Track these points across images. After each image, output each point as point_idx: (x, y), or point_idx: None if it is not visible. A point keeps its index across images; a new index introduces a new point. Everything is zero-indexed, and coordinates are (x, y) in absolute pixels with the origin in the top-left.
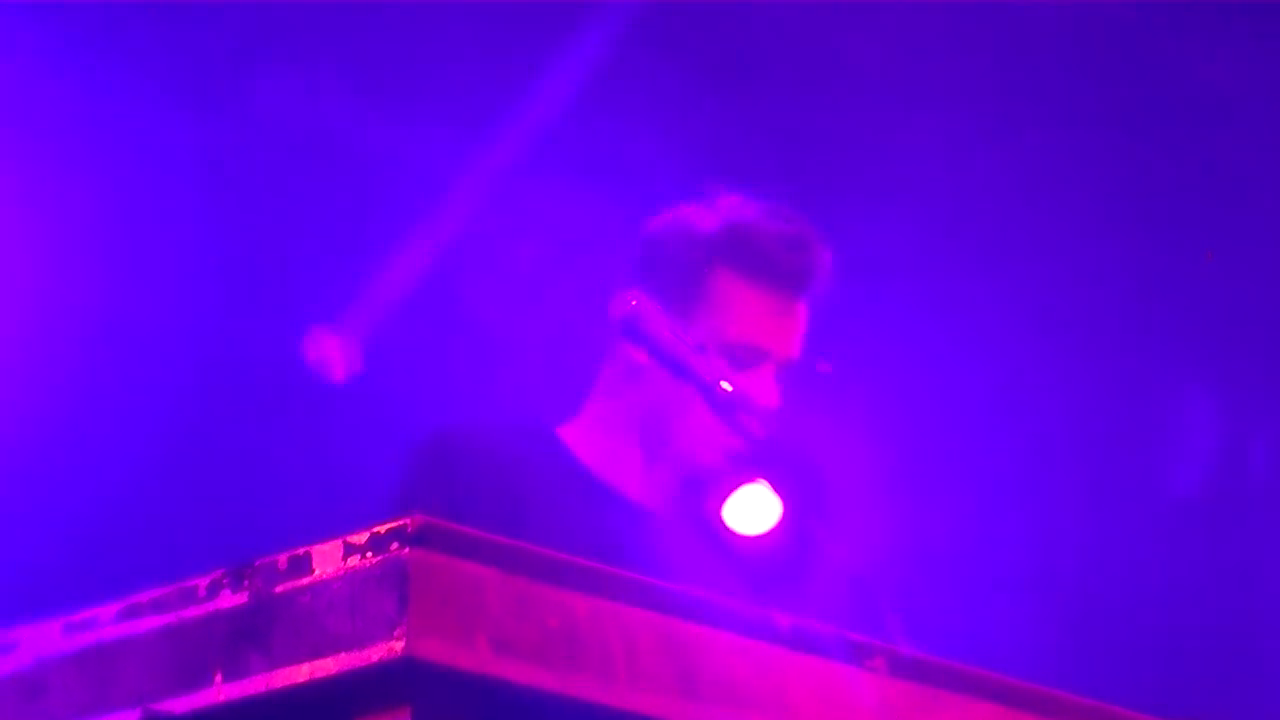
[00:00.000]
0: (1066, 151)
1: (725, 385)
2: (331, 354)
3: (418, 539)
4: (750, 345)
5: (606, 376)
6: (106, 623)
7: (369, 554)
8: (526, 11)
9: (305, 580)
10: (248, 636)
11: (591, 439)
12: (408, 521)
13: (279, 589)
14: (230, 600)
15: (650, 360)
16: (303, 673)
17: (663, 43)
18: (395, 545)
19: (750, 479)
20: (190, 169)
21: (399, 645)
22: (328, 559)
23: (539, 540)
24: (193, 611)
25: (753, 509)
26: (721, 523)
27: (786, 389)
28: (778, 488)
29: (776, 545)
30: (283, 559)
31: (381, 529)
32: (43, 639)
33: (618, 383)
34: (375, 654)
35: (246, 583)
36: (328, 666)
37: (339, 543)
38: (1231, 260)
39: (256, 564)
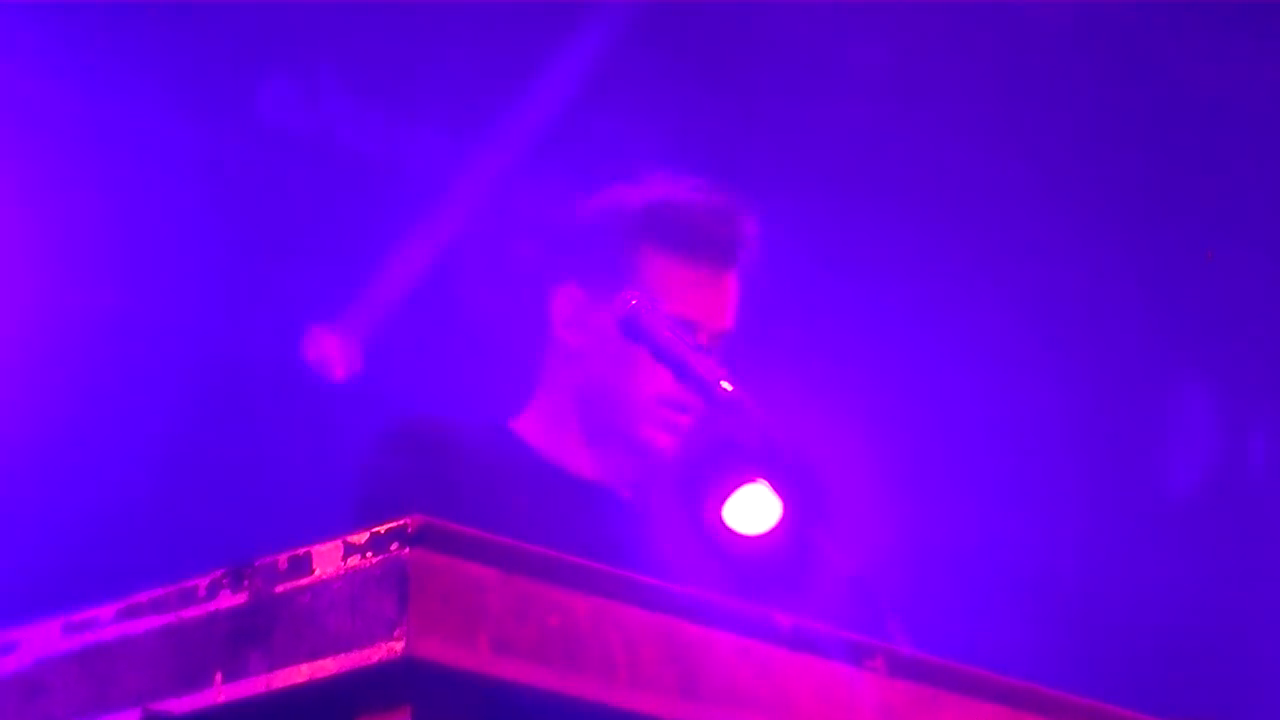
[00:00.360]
0: (1066, 152)
1: (725, 385)
2: (331, 354)
3: (418, 539)
4: (680, 318)
5: (549, 366)
6: (106, 623)
7: (369, 554)
8: (525, 13)
9: (305, 580)
10: (248, 637)
11: (541, 429)
12: (408, 521)
13: (279, 589)
14: (230, 600)
15: (588, 345)
16: (303, 673)
17: (662, 43)
18: (395, 545)
19: (750, 479)
20: (191, 170)
21: (399, 645)
22: (328, 559)
23: (507, 533)
24: (193, 611)
25: (753, 509)
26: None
27: (725, 360)
28: (777, 488)
29: (776, 545)
30: (283, 559)
31: (381, 529)
32: (43, 639)
33: (559, 371)
34: (375, 654)
35: (246, 583)
36: (328, 667)
37: (339, 543)
38: (1231, 261)
39: (256, 564)
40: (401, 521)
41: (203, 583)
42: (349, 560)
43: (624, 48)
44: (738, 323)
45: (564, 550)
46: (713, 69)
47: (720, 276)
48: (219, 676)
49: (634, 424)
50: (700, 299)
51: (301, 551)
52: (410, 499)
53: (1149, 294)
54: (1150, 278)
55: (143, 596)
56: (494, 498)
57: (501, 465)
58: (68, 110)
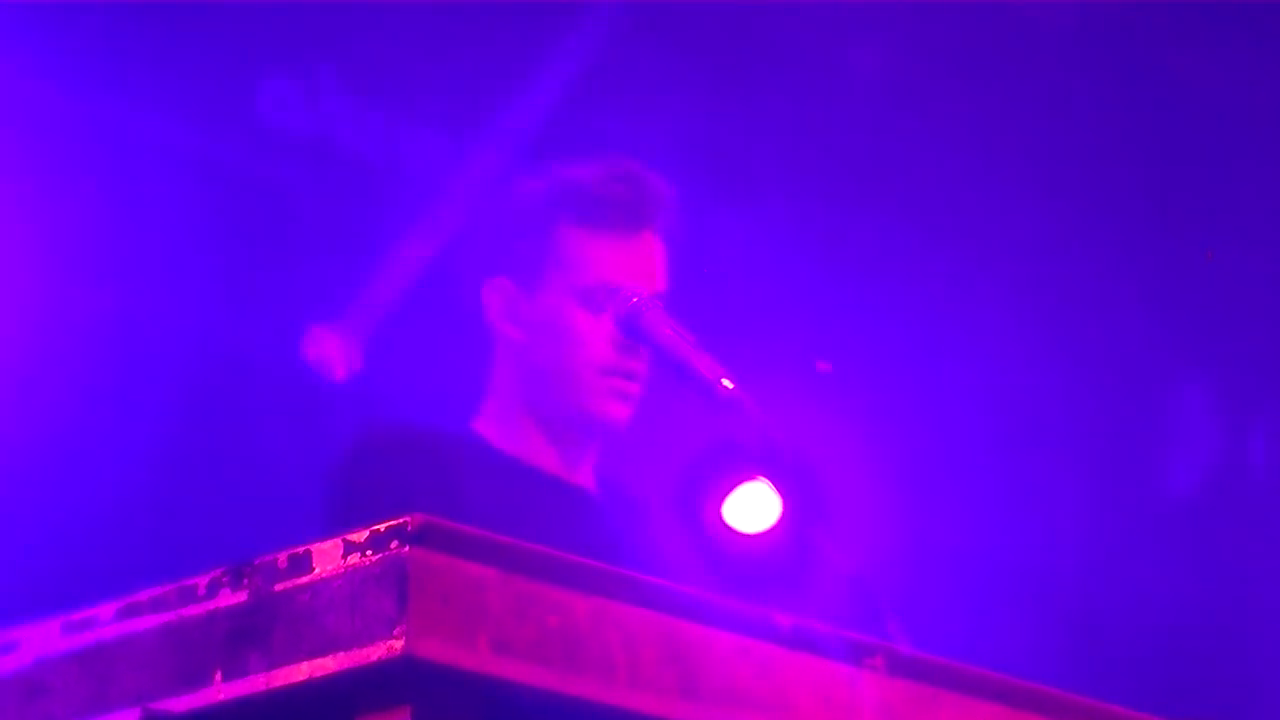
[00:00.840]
0: (1066, 152)
1: (726, 383)
2: (331, 353)
3: (417, 538)
4: (606, 285)
5: (496, 363)
6: (106, 622)
7: (369, 552)
8: (525, 12)
9: (305, 579)
10: (247, 635)
11: (498, 427)
12: (407, 520)
13: (278, 587)
14: (230, 599)
15: (524, 335)
16: (302, 672)
17: (662, 44)
18: (395, 544)
19: (750, 477)
20: (189, 170)
21: (399, 644)
22: (327, 557)
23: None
24: (192, 610)
25: (753, 507)
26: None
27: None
28: (777, 486)
29: (776, 544)
30: (282, 557)
31: (381, 527)
32: (42, 638)
33: (505, 366)
34: (375, 653)
35: (246, 581)
36: (327, 665)
37: (339, 541)
38: (1231, 261)
39: (256, 562)
40: (401, 520)
41: (202, 581)
42: (349, 559)
43: (624, 48)
44: (734, 325)
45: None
46: (713, 69)
47: (636, 238)
48: (219, 675)
49: (584, 401)
50: (622, 264)
51: (301, 550)
52: (378, 507)
53: (1149, 293)
54: (1150, 277)
55: (142, 595)
56: (461, 500)
57: (465, 467)
58: (67, 111)
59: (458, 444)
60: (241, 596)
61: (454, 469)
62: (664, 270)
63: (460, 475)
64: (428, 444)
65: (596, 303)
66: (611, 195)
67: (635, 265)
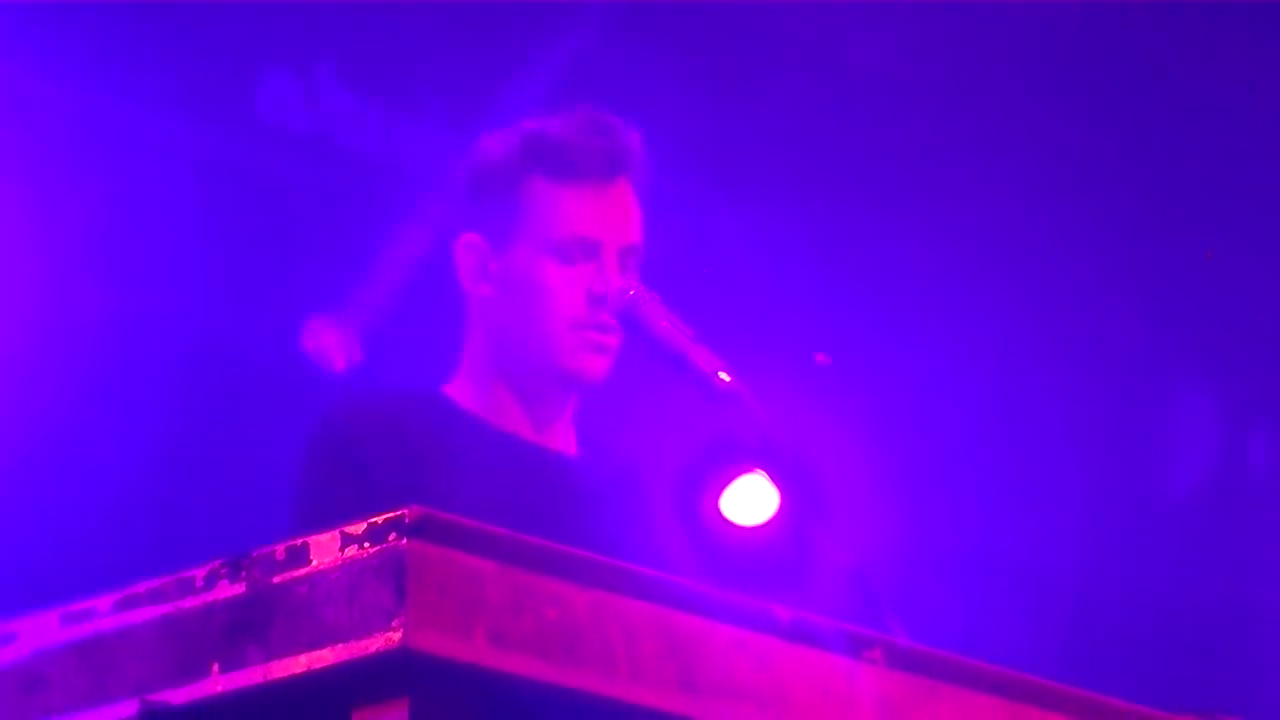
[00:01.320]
0: (1066, 153)
1: (723, 375)
2: (330, 344)
3: (415, 530)
4: (578, 237)
5: (469, 322)
6: (104, 614)
7: (366, 545)
8: (525, 11)
9: (303, 571)
10: (245, 627)
11: (471, 390)
12: (405, 512)
13: (276, 579)
14: (228, 591)
15: (495, 292)
16: (300, 663)
17: (662, 42)
18: (393, 536)
19: (748, 470)
20: (189, 165)
21: (397, 636)
22: (325, 549)
23: (458, 501)
24: (190, 602)
25: (750, 500)
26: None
27: (638, 269)
28: (775, 479)
29: (774, 537)
30: (280, 549)
31: (379, 519)
32: (41, 630)
33: (477, 325)
34: (373, 645)
35: (244, 573)
36: (325, 657)
37: (336, 533)
38: (1231, 260)
39: (254, 554)
40: (399, 512)
41: (200, 573)
42: (346, 551)
43: (624, 46)
44: (732, 318)
45: (512, 511)
46: (713, 69)
47: (607, 189)
48: (216, 667)
49: (558, 357)
50: (593, 214)
51: (299, 542)
52: (339, 484)
53: (1149, 293)
54: (1150, 277)
55: (140, 587)
56: (423, 468)
57: (431, 432)
58: (65, 108)
59: (424, 407)
60: (239, 588)
61: (417, 436)
62: (638, 221)
63: (426, 442)
64: (389, 414)
65: (568, 255)
66: (581, 145)
67: (608, 215)
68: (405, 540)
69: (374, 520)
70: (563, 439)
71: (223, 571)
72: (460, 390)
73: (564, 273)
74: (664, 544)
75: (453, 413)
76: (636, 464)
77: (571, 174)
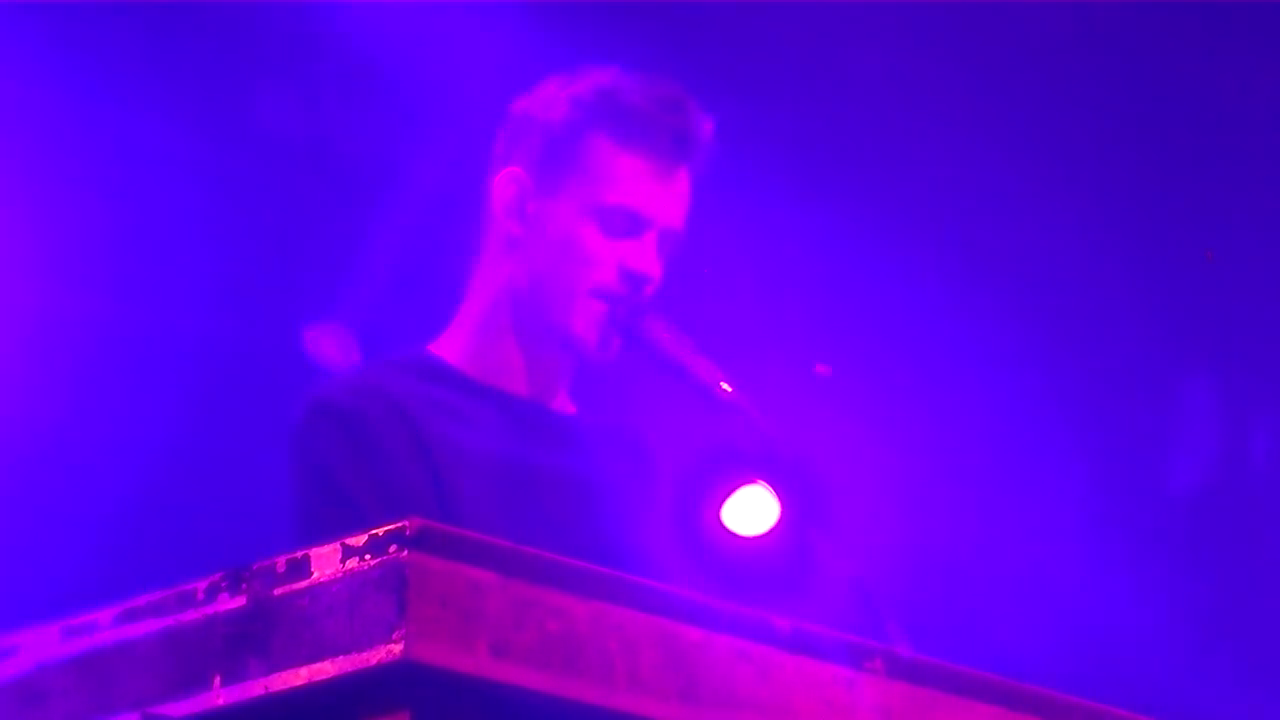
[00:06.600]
0: (1067, 151)
1: (725, 386)
2: (330, 347)
3: (416, 542)
4: (628, 210)
5: (485, 259)
6: (105, 627)
7: (367, 557)
8: (524, 10)
9: (304, 583)
10: (246, 640)
11: (464, 340)
12: (406, 524)
13: (277, 592)
14: (228, 604)
15: (528, 233)
16: (301, 676)
17: (662, 42)
18: (394, 548)
19: (749, 481)
20: (187, 169)
21: (398, 648)
22: (326, 562)
23: (462, 462)
24: (191, 615)
25: (751, 510)
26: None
27: (670, 261)
28: (776, 489)
29: (774, 547)
30: (281, 562)
31: (380, 531)
32: (42, 643)
33: (496, 263)
34: (374, 657)
35: (245, 586)
36: (326, 670)
37: (337, 545)
38: (1232, 260)
39: (255, 567)
40: (400, 524)
41: (201, 586)
42: (347, 563)
43: (623, 45)
44: (732, 328)
45: (515, 465)
46: (713, 68)
47: (670, 171)
48: (217, 680)
49: (570, 319)
50: (649, 191)
51: (300, 554)
52: (349, 479)
53: (1149, 292)
54: (1150, 276)
55: (141, 600)
56: (431, 430)
57: (432, 395)
58: (66, 113)
59: (411, 369)
60: (240, 601)
61: (410, 399)
62: (686, 208)
63: (419, 403)
64: (374, 382)
65: (612, 224)
66: (657, 119)
67: (662, 195)
68: (406, 552)
69: (375, 532)
70: (559, 401)
71: (223, 584)
72: (449, 347)
73: (603, 239)
74: (665, 500)
75: (442, 371)
76: (639, 428)
77: (637, 144)
